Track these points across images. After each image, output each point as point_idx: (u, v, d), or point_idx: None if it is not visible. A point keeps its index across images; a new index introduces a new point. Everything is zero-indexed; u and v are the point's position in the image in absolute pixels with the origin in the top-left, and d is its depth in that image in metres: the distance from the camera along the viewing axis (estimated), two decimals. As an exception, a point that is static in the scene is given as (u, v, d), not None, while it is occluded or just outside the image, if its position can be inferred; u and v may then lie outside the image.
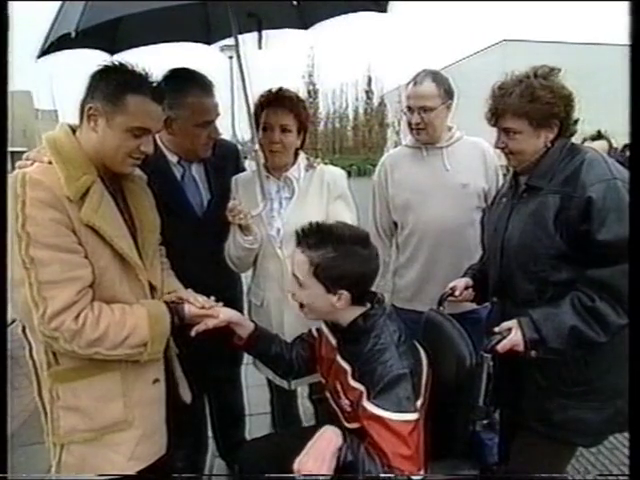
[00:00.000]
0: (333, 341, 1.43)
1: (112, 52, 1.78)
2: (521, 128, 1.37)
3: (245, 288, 2.02)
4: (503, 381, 1.36)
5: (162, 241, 1.49)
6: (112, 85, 1.18)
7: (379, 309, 1.33)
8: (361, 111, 46.34)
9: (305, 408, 2.26)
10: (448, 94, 1.91)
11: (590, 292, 1.26)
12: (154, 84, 1.25)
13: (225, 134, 2.02)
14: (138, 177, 1.42)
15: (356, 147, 43.98)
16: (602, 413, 1.37)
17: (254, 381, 2.30)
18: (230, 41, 1.72)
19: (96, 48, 1.75)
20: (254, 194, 1.75)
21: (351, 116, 47.26)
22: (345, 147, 45.04)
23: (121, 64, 1.22)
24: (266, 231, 1.73)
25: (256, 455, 1.56)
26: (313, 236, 1.29)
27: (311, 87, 42.16)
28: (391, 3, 1.80)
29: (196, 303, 1.38)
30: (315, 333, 1.55)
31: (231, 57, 9.69)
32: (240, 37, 1.63)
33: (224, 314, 1.42)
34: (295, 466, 1.11)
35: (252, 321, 1.57)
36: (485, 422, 1.35)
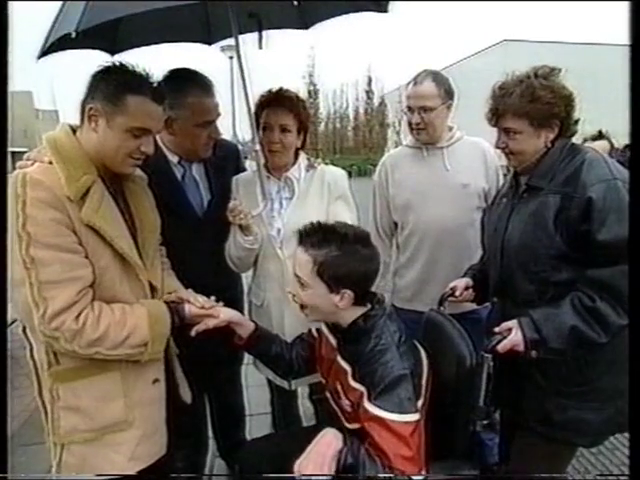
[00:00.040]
0: (333, 341, 1.43)
1: (113, 52, 1.79)
2: (521, 128, 1.37)
3: (245, 288, 2.02)
4: (503, 381, 1.36)
5: (162, 241, 1.49)
6: (112, 85, 1.18)
7: (379, 310, 1.33)
8: (362, 111, 46.41)
9: (305, 408, 2.26)
10: (448, 94, 1.91)
11: (590, 292, 1.26)
12: (154, 84, 1.25)
13: (226, 134, 2.02)
14: (139, 177, 1.42)
15: (357, 147, 44.00)
16: (602, 413, 1.37)
17: (254, 381, 2.30)
18: (230, 41, 1.72)
19: (97, 48, 1.75)
20: (254, 194, 1.75)
21: (352, 116, 47.35)
22: (346, 147, 45.06)
23: (121, 64, 1.22)
24: (266, 231, 1.73)
25: (256, 455, 1.56)
26: (316, 235, 1.29)
27: (312, 87, 42.24)
28: (392, 3, 1.80)
29: (196, 303, 1.38)
30: (315, 333, 1.55)
31: (231, 57, 9.69)
32: (240, 37, 1.63)
33: (224, 314, 1.42)
34: (295, 469, 1.11)
35: (252, 321, 1.57)
36: (485, 422, 1.34)
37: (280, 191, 1.78)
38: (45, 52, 1.45)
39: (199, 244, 1.67)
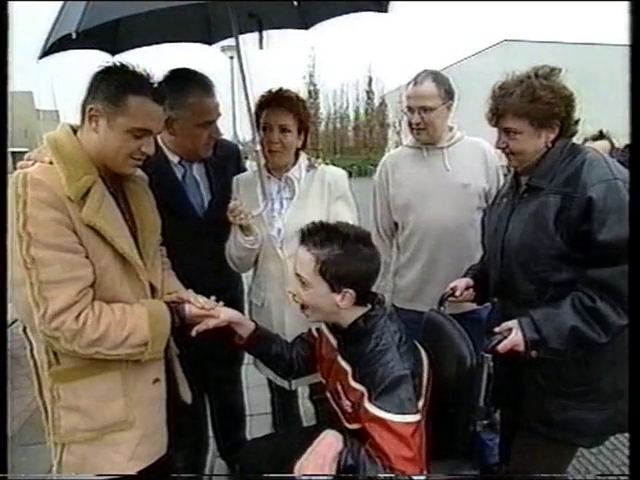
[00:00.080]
0: (334, 342, 1.43)
1: (113, 53, 1.79)
2: (522, 128, 1.37)
3: (246, 288, 2.02)
4: (504, 381, 1.36)
5: (163, 241, 1.49)
6: (113, 86, 1.18)
7: (380, 310, 1.33)
8: (362, 111, 46.34)
9: (306, 408, 2.26)
10: (448, 94, 1.91)
11: (591, 292, 1.26)
12: (155, 85, 1.25)
13: (226, 134, 2.02)
14: (139, 177, 1.42)
15: (357, 147, 43.95)
16: (602, 413, 1.37)
17: (255, 381, 2.31)
18: (231, 41, 1.72)
19: (97, 49, 1.75)
20: (255, 194, 1.75)
21: (352, 116, 47.28)
22: (346, 147, 45.02)
23: (122, 65, 1.23)
24: (267, 231, 1.73)
25: (257, 455, 1.56)
26: (318, 234, 1.29)
27: (312, 87, 42.17)
28: (392, 3, 1.80)
29: (196, 304, 1.38)
30: (315, 333, 1.55)
31: (232, 57, 9.71)
32: (241, 37, 1.63)
33: (225, 314, 1.43)
34: (296, 470, 1.12)
35: (253, 321, 1.57)
36: (486, 422, 1.34)
37: (280, 191, 1.78)
38: (46, 52, 1.45)
39: (199, 244, 1.67)
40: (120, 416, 1.25)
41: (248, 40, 1.75)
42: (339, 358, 1.37)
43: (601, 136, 3.69)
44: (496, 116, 1.41)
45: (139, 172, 1.40)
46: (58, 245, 1.11)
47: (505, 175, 1.91)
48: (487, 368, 1.31)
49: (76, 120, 1.25)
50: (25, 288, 1.10)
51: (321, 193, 1.76)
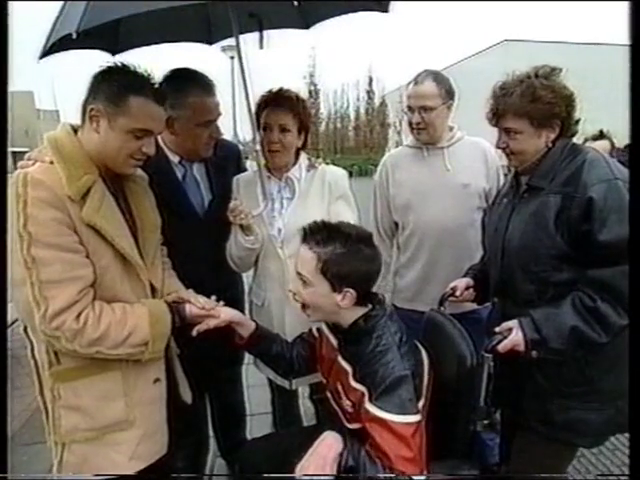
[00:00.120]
0: (334, 342, 1.43)
1: (114, 53, 1.79)
2: (522, 128, 1.37)
3: (246, 288, 2.02)
4: (504, 381, 1.37)
5: (163, 241, 1.49)
6: (114, 86, 1.18)
7: (380, 310, 1.33)
8: (362, 111, 46.40)
9: (306, 408, 2.26)
10: (449, 94, 1.91)
11: (591, 292, 1.26)
12: (156, 85, 1.25)
13: (226, 134, 2.02)
14: (140, 177, 1.42)
15: (357, 147, 43.98)
16: (603, 414, 1.37)
17: (255, 381, 2.31)
18: (231, 41, 1.72)
19: (98, 49, 1.75)
20: (255, 194, 1.75)
21: (352, 116, 47.34)
22: (346, 147, 45.05)
23: (123, 65, 1.23)
24: (267, 231, 1.73)
25: (257, 455, 1.56)
26: (320, 233, 1.29)
27: (312, 87, 42.21)
28: (392, 3, 1.79)
29: (197, 304, 1.38)
30: (316, 333, 1.55)
31: (232, 57, 9.73)
32: (241, 37, 1.63)
33: (225, 314, 1.43)
34: (296, 472, 1.12)
35: (253, 321, 1.57)
36: (486, 422, 1.35)
37: (281, 191, 1.78)
38: (46, 52, 1.45)
39: (200, 244, 1.67)
40: (120, 416, 1.25)
41: (248, 40, 1.76)
42: (339, 358, 1.37)
43: (601, 136, 3.68)
44: (496, 116, 1.41)
45: (139, 172, 1.40)
46: (58, 245, 1.11)
47: (505, 175, 1.91)
48: (487, 368, 1.31)
49: (76, 120, 1.25)
50: (25, 288, 1.10)
51: (321, 193, 1.76)
